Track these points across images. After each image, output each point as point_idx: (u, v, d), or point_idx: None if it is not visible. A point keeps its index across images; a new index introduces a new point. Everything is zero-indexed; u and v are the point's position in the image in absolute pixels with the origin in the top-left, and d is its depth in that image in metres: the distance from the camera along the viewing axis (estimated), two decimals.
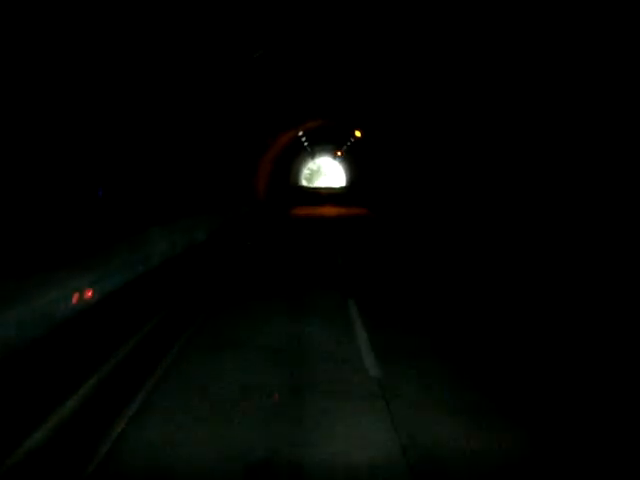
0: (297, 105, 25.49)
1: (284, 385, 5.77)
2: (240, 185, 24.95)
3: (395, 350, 6.92)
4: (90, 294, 8.09)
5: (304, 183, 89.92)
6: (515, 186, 11.18)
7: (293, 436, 4.70)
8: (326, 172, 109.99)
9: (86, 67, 7.67)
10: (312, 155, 70.20)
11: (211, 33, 10.67)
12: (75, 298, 7.57)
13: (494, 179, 12.57)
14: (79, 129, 7.92)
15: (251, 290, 10.46)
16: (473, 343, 7.23)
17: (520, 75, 10.08)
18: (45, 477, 4.10)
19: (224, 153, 20.90)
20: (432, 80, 14.96)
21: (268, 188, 35.06)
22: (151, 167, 11.33)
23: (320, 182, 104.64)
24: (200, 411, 5.16)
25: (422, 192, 22.81)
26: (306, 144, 42.12)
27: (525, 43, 9.10)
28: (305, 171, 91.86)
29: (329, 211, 30.65)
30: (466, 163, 15.21)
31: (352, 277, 11.64)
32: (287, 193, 48.41)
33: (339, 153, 61.48)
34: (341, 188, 73.19)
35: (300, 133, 32.00)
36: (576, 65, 8.08)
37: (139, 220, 10.66)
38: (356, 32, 12.55)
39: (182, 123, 13.66)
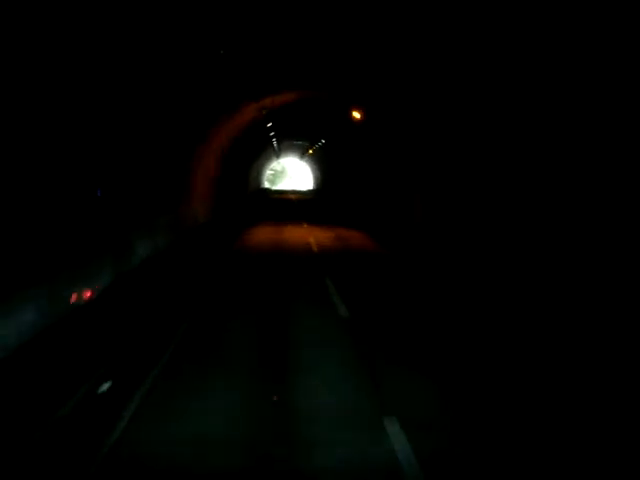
0: (262, 63, 14.18)
1: None
2: (157, 199, 13.18)
3: None
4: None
5: (266, 185, 78.54)
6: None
7: None
8: (291, 174, 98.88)
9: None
10: (277, 154, 58.66)
11: None
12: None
13: None
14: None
15: None
16: None
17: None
18: None
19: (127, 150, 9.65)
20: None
21: (217, 193, 23.22)
22: None
23: (284, 184, 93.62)
24: None
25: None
26: (272, 133, 30.34)
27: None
28: (268, 172, 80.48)
29: (306, 236, 19.05)
30: None
31: None
32: (245, 199, 36.59)
33: (310, 151, 49.99)
34: (310, 192, 62.62)
35: (264, 112, 20.29)
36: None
37: None
38: None
39: None
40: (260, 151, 42.82)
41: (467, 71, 11.95)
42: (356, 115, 19.81)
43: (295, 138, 43.68)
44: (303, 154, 58.89)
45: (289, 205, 38.18)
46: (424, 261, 14.25)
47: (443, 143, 15.27)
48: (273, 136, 32.50)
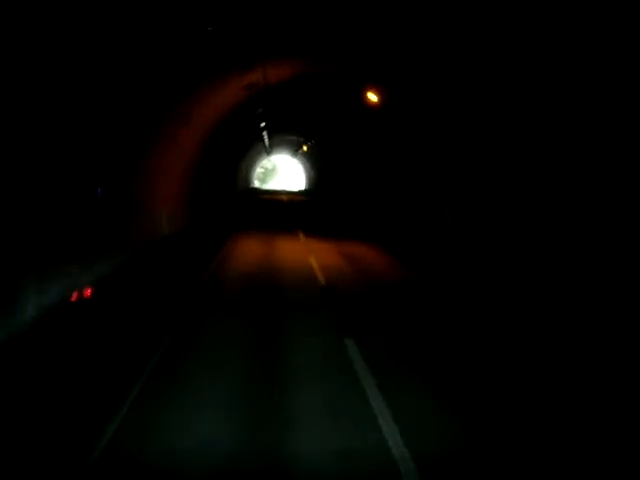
0: (251, 15, 9.76)
1: None
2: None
3: None
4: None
5: (256, 184, 74.07)
6: None
7: None
8: (283, 172, 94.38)
9: None
10: (268, 150, 54.02)
11: None
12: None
13: None
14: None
15: None
16: None
17: None
18: None
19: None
20: None
21: (195, 194, 18.65)
22: None
23: (275, 183, 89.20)
24: None
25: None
26: (263, 124, 25.70)
27: None
28: (258, 169, 75.95)
29: (305, 255, 14.58)
30: None
31: None
32: (233, 200, 31.97)
33: (304, 147, 45.37)
34: (303, 192, 58.40)
35: (254, 90, 15.62)
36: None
37: None
38: None
39: None
40: (249, 146, 38.24)
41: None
42: (372, 98, 15.27)
43: (288, 132, 39.12)
44: (296, 151, 54.31)
45: (281, 208, 33.60)
46: (481, 299, 9.73)
47: (486, 133, 10.93)
48: (264, 128, 27.90)
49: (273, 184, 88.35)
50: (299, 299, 9.41)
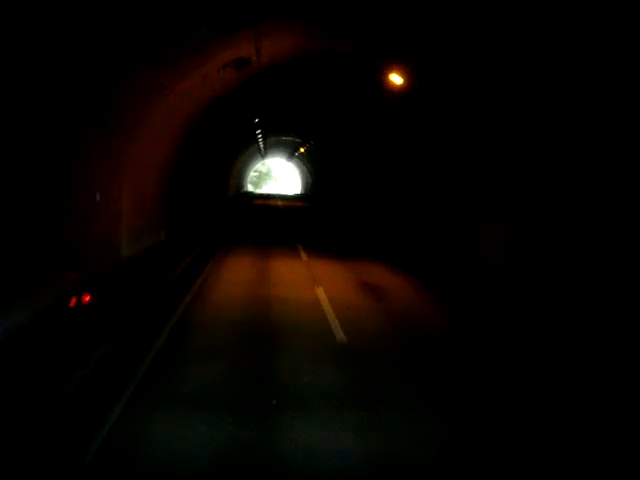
0: None
1: None
2: None
3: None
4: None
5: (250, 188, 70.90)
6: None
7: None
8: (277, 175, 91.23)
9: None
10: (263, 153, 50.63)
11: None
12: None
13: None
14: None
15: None
16: None
17: None
18: None
19: None
20: None
21: (173, 201, 15.22)
22: None
23: (269, 187, 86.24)
24: None
25: None
26: (256, 120, 22.22)
27: None
28: (252, 173, 72.62)
29: (309, 283, 11.26)
30: None
31: None
32: (223, 206, 28.51)
33: (302, 149, 42.00)
34: (299, 197, 55.60)
35: (243, 68, 12.13)
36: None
37: None
38: None
39: None
40: (243, 147, 34.84)
41: None
42: (396, 80, 11.87)
43: (285, 133, 35.77)
44: (292, 154, 50.98)
45: (277, 215, 30.12)
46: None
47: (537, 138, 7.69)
48: (258, 125, 24.45)
49: (267, 188, 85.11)
50: (304, 376, 5.94)
